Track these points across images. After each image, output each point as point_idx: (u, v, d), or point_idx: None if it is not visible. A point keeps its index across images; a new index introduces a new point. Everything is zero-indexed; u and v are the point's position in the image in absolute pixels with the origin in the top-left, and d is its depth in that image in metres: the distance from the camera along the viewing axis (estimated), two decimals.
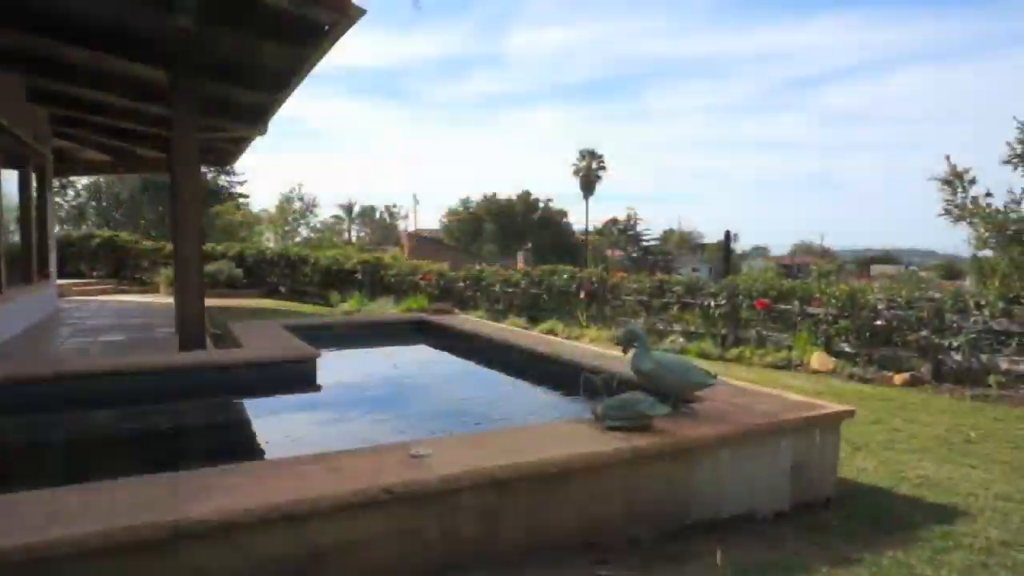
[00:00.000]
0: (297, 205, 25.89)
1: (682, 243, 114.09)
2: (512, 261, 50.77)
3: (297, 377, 5.84)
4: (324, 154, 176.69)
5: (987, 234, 9.06)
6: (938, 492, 4.04)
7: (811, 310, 10.55)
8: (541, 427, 3.54)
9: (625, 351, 4.11)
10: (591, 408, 3.68)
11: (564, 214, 76.65)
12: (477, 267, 16.39)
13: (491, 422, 4.85)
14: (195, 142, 7.14)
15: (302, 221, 25.03)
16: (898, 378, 8.90)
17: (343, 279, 18.40)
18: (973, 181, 9.45)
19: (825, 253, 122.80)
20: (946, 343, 8.91)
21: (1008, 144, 9.47)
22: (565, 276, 14.53)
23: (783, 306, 10.99)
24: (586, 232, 79.72)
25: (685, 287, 12.45)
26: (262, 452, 4.27)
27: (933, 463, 4.73)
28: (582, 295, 13.93)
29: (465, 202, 76.23)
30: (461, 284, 16.35)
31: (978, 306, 8.69)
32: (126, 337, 10.02)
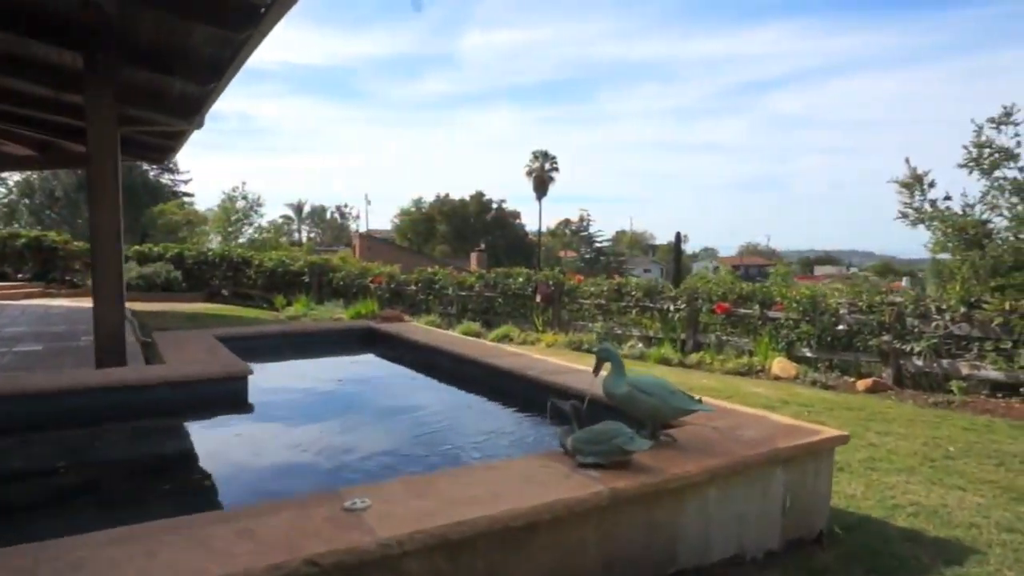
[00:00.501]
0: (241, 204, 24.77)
1: (634, 244, 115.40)
2: (466, 262, 50.27)
3: (226, 397, 5.20)
4: (274, 153, 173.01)
5: (946, 238, 8.93)
6: (937, 523, 3.69)
7: (772, 314, 10.32)
8: (502, 466, 3.04)
9: (596, 372, 3.65)
10: (560, 439, 3.20)
11: (517, 215, 76.39)
12: (430, 269, 15.82)
13: (443, 454, 4.31)
14: (113, 133, 6.42)
15: (246, 221, 23.89)
16: (861, 384, 8.70)
17: (289, 282, 17.59)
18: (932, 184, 9.34)
19: (771, 254, 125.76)
20: (908, 348, 8.75)
21: (964, 148, 9.38)
22: (520, 279, 14.07)
23: (743, 310, 10.74)
24: (539, 233, 79.59)
25: (644, 291, 12.12)
26: (166, 499, 3.65)
27: (922, 486, 4.40)
28: (538, 299, 13.49)
29: (417, 202, 75.27)
30: (413, 287, 15.75)
31: (939, 310, 8.55)
32: (44, 347, 9.16)
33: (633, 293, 12.23)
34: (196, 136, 11.82)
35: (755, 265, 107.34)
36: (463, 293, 14.81)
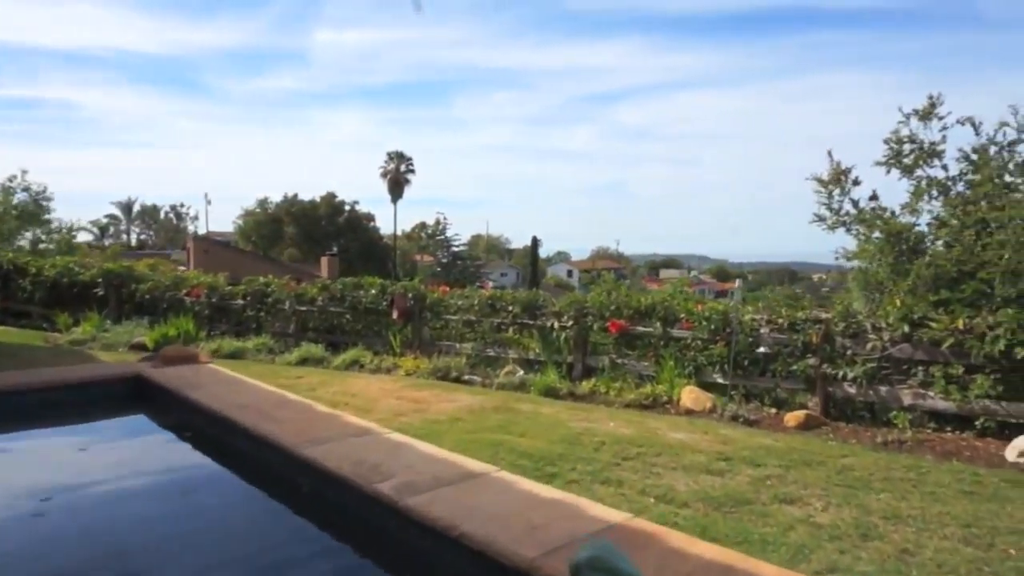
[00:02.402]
0: (21, 198, 20.09)
1: (491, 248, 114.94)
2: (316, 267, 46.55)
3: None
4: (104, 147, 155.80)
5: (873, 244, 7.66)
6: None
7: (677, 333, 8.72)
8: None
9: None
10: None
11: (372, 217, 72.96)
12: (262, 279, 13.00)
13: None
14: None
15: (20, 217, 19.20)
16: (791, 418, 7.23)
17: (80, 295, 14.00)
18: (857, 182, 8.11)
19: (621, 258, 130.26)
20: (839, 373, 7.40)
21: (886, 142, 8.24)
22: (374, 291, 11.69)
23: (642, 328, 9.07)
24: (395, 236, 76.54)
25: (522, 305, 10.18)
26: None
27: None
28: (395, 315, 11.19)
29: (263, 203, 69.77)
30: (241, 301, 12.87)
31: (875, 329, 7.26)
32: None
33: (510, 308, 10.26)
34: None
35: (606, 269, 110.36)
36: (303, 308, 12.18)
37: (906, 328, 6.91)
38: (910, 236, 7.23)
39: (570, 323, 9.61)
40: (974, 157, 7.87)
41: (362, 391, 8.29)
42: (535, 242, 75.69)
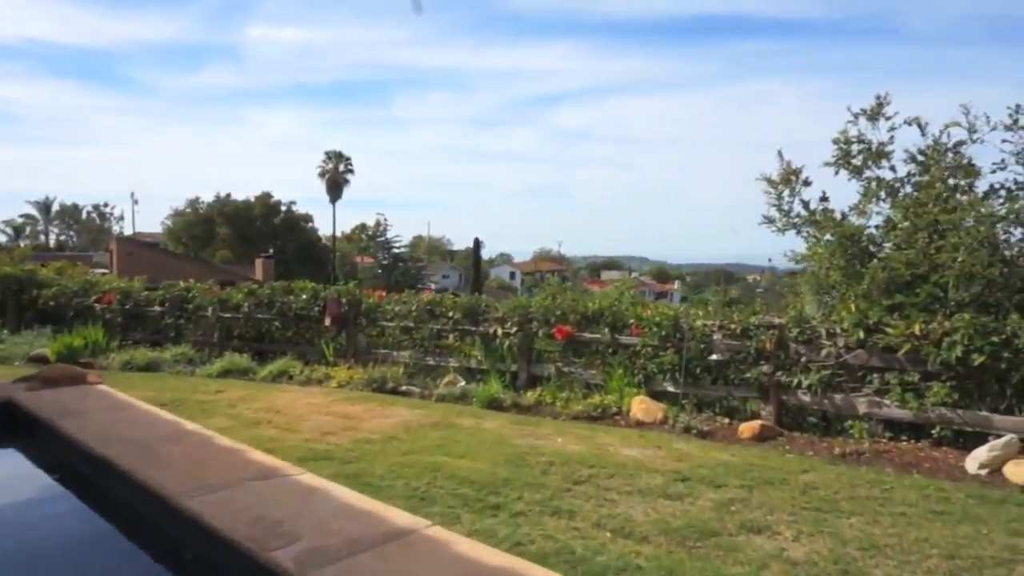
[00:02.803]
0: None
1: (432, 250, 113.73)
2: (250, 269, 44.87)
3: None
4: (19, 143, 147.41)
5: (824, 247, 7.41)
6: None
7: (625, 340, 8.32)
8: None
9: None
10: None
11: (309, 218, 71.10)
12: (182, 284, 12.07)
13: None
14: None
15: None
16: (745, 430, 6.91)
17: None
18: (808, 182, 7.86)
19: (563, 260, 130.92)
20: (793, 381, 7.12)
21: (835, 142, 8.04)
22: (304, 296, 10.94)
23: (589, 335, 8.65)
24: (334, 237, 74.84)
25: (463, 311, 9.63)
26: None
27: None
28: (328, 321, 10.49)
29: (194, 203, 67.12)
30: (158, 308, 11.91)
31: (830, 335, 7.01)
32: None
33: (450, 314, 9.70)
34: None
35: (549, 271, 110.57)
36: (227, 315, 11.33)
37: (861, 334, 6.66)
38: (862, 238, 7.00)
39: (514, 329, 9.11)
40: (921, 158, 7.74)
41: (288, 407, 7.60)
42: (477, 244, 75.08)
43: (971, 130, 7.34)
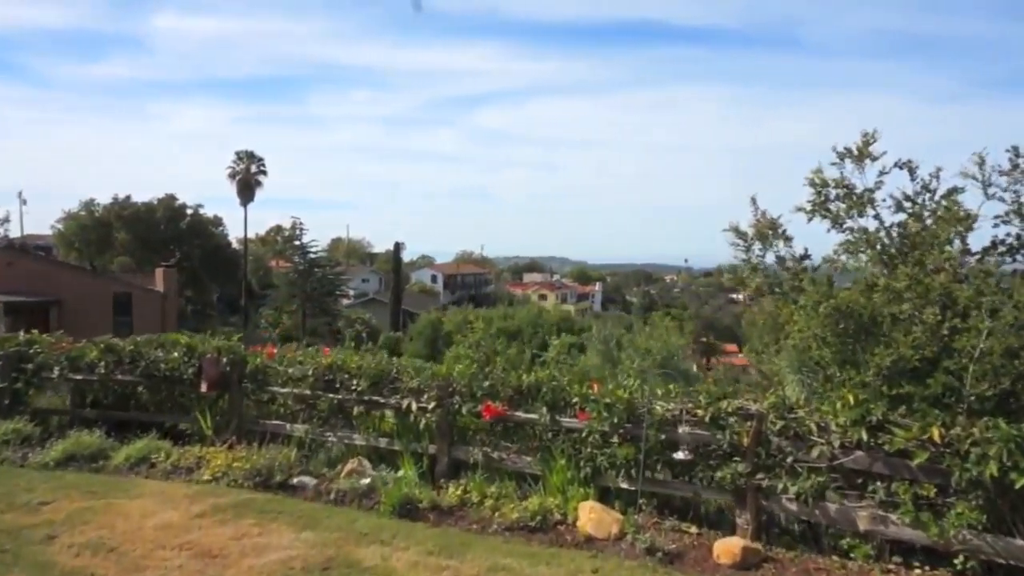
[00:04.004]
0: None
1: (351, 253, 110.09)
2: (151, 278, 41.20)
3: None
4: None
5: (810, 317, 6.09)
6: None
7: (569, 423, 6.82)
8: None
9: None
10: None
11: (219, 222, 67.01)
12: (22, 336, 9.79)
13: None
14: None
15: None
16: (723, 553, 5.53)
17: None
18: (789, 238, 6.56)
19: (485, 262, 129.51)
20: (777, 486, 5.78)
21: (811, 184, 6.77)
22: (176, 354, 8.94)
23: (524, 414, 7.10)
24: (245, 242, 70.89)
25: (371, 379, 7.89)
26: None
27: None
28: (204, 387, 8.56)
29: (89, 204, 61.98)
30: None
31: (821, 429, 5.70)
32: None
33: (355, 383, 7.95)
34: None
35: (471, 273, 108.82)
36: (78, 377, 9.19)
37: (863, 434, 5.37)
38: (861, 312, 5.71)
39: (432, 404, 7.46)
40: (908, 204, 6.59)
41: (132, 535, 5.70)
42: (398, 248, 72.58)
43: (974, 176, 6.20)
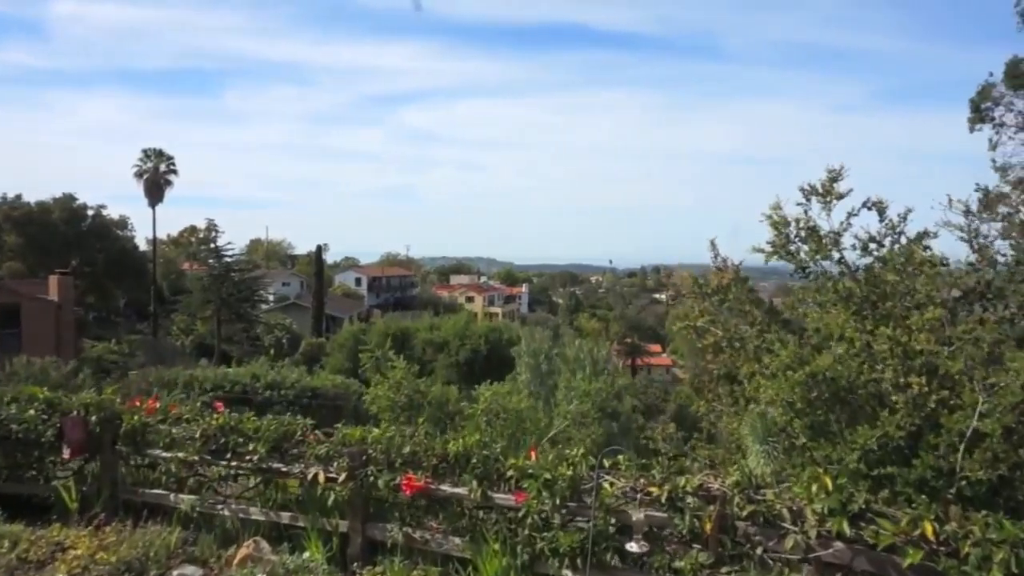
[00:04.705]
0: None
1: (271, 255, 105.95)
2: (44, 287, 37.86)
3: None
4: None
5: (781, 383, 5.33)
6: None
7: (503, 501, 5.86)
8: None
9: None
10: None
11: (124, 224, 62.90)
12: None
13: None
14: None
15: None
16: None
17: None
18: (752, 290, 5.80)
19: (411, 263, 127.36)
20: None
21: (772, 224, 6.05)
22: (32, 411, 7.49)
23: (451, 488, 6.09)
24: (154, 245, 66.89)
25: (271, 443, 6.71)
26: None
27: None
28: (67, 452, 7.17)
29: None
30: None
31: (794, 515, 4.95)
32: None
33: (251, 447, 6.75)
34: None
35: (397, 276, 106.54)
36: None
37: (844, 525, 4.64)
38: (839, 379, 4.99)
39: (343, 476, 6.36)
40: (874, 247, 5.96)
41: None
42: (319, 251, 69.94)
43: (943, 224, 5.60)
